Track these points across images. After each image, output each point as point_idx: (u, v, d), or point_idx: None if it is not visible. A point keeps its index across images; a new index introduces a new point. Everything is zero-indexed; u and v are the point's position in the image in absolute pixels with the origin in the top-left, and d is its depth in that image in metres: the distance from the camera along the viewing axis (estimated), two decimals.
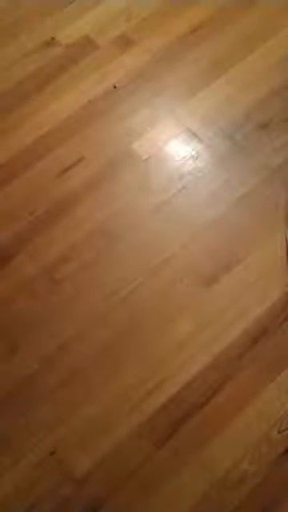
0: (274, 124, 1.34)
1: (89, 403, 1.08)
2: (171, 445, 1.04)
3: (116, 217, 1.27)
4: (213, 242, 1.23)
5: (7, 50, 1.53)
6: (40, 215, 1.29)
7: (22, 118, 1.42)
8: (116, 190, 1.31)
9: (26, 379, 1.12)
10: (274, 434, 1.04)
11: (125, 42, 1.50)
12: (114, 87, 1.44)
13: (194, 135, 1.36)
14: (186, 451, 1.03)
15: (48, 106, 1.43)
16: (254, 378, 1.09)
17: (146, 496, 1.00)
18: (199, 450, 1.03)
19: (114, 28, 1.52)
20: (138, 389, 1.09)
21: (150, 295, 1.18)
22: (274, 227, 1.23)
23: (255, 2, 1.51)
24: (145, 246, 1.23)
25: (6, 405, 1.10)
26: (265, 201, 1.26)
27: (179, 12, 1.52)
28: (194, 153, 1.34)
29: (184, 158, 1.33)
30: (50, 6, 1.57)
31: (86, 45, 1.51)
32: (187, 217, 1.26)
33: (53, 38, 1.52)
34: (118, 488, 1.01)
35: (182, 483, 1.01)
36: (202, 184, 1.30)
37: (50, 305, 1.19)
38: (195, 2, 1.53)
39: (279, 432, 1.04)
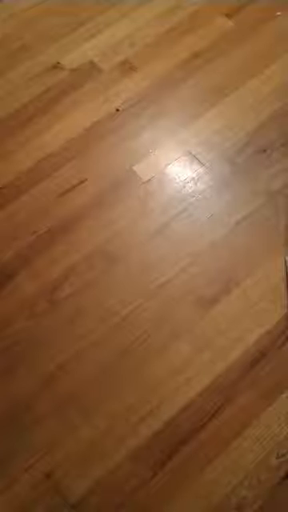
0: (274, 148, 1.36)
1: (85, 426, 1.08)
2: (168, 469, 1.03)
3: (116, 238, 1.28)
4: (212, 264, 1.23)
5: (13, 73, 1.56)
6: (41, 236, 1.30)
7: (26, 139, 1.44)
8: (117, 212, 1.32)
9: (23, 400, 1.11)
10: (272, 458, 1.03)
11: (128, 67, 1.53)
12: (117, 110, 1.47)
13: (194, 158, 1.38)
14: (183, 476, 1.02)
15: (51, 128, 1.46)
16: (252, 402, 1.08)
17: None
18: (197, 474, 1.02)
19: (117, 53, 1.56)
20: (135, 412, 1.08)
21: (149, 317, 1.18)
22: (273, 250, 1.23)
23: (254, 29, 1.55)
24: (145, 267, 1.24)
25: (3, 425, 1.09)
26: (264, 224, 1.27)
27: (180, 38, 1.56)
28: (194, 176, 1.35)
29: (185, 180, 1.35)
30: (56, 32, 1.61)
31: (90, 69, 1.54)
32: (187, 239, 1.27)
33: (58, 63, 1.56)
34: None
35: (179, 508, 1.00)
36: (202, 207, 1.31)
37: (49, 325, 1.19)
38: (196, 28, 1.57)
39: (278, 457, 1.03)
